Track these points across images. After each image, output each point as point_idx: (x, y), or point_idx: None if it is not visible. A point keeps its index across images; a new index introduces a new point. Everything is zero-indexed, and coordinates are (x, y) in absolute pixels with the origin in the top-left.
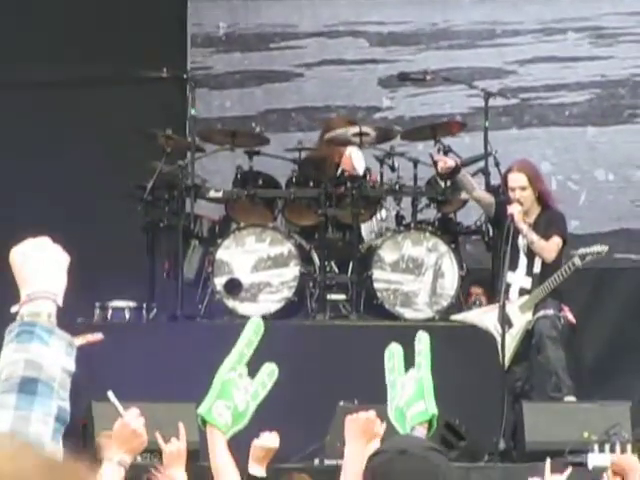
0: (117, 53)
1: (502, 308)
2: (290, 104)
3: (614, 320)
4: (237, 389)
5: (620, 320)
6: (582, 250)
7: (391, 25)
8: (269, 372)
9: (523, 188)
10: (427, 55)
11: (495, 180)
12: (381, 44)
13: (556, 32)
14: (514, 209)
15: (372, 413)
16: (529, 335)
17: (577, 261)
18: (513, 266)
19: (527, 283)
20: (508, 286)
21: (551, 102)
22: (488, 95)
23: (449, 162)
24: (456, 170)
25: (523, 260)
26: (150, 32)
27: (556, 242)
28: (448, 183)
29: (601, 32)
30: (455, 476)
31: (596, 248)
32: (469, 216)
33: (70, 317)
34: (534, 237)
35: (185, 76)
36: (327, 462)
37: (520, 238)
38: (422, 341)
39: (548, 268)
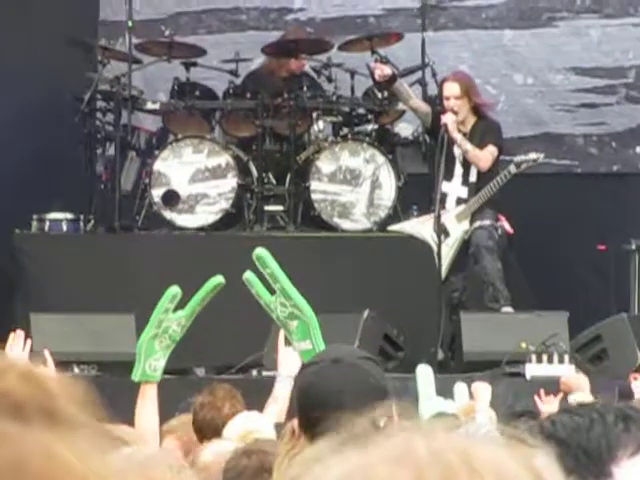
0: None
1: (437, 218)
2: (201, 6)
3: (547, 227)
4: (158, 340)
5: (552, 227)
6: (518, 158)
7: None
8: (215, 283)
9: (457, 97)
10: None
11: (433, 91)
12: None
13: None
14: (448, 119)
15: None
16: (466, 245)
17: (512, 169)
18: (449, 176)
19: (463, 192)
20: (444, 196)
21: (467, 4)
22: (425, 7)
23: (386, 70)
24: (393, 79)
25: (459, 170)
26: None
27: (491, 151)
28: (385, 94)
29: None
30: (389, 384)
31: (532, 156)
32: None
33: (7, 228)
34: (468, 146)
35: None
36: (265, 373)
37: (456, 148)
38: (264, 262)
39: (484, 177)
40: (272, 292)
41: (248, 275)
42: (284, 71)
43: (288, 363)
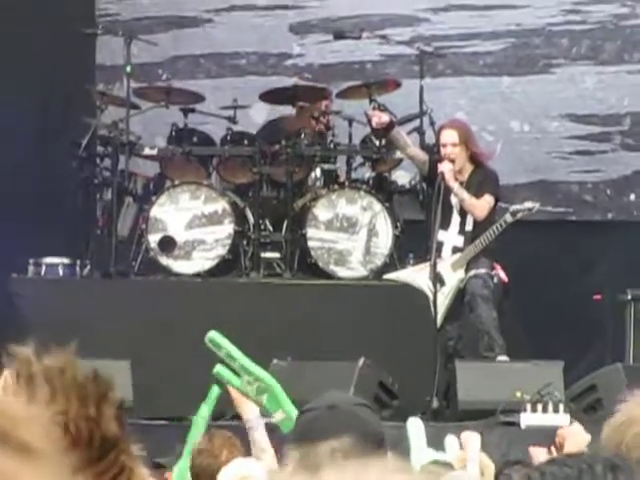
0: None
1: (433, 266)
2: (199, 50)
3: (542, 275)
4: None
5: (547, 275)
6: (514, 207)
7: None
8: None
9: (454, 144)
10: (337, 1)
11: (430, 139)
12: None
13: None
14: (445, 167)
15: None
16: (461, 294)
17: (508, 218)
18: (445, 224)
19: (459, 241)
20: (440, 244)
21: (465, 51)
22: (423, 54)
23: (383, 117)
24: (390, 126)
25: (456, 218)
26: None
27: (487, 200)
28: (383, 142)
29: None
30: (384, 432)
31: (527, 205)
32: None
33: (4, 273)
34: (465, 195)
35: (100, 30)
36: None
37: (453, 196)
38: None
39: (480, 226)
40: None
41: (218, 369)
42: (312, 123)
43: (249, 406)
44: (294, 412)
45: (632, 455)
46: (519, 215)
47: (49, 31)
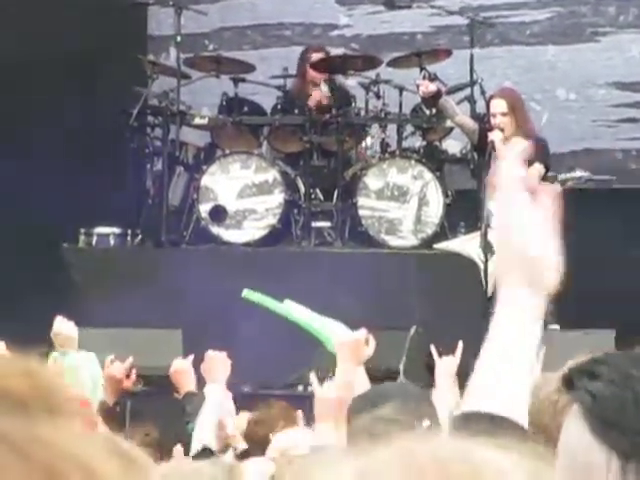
0: None
1: (484, 235)
2: (245, 21)
3: (591, 243)
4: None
5: (596, 243)
6: (562, 176)
7: None
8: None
9: (504, 114)
10: None
11: (481, 109)
12: None
13: None
14: (495, 136)
15: (361, 334)
16: None
17: (557, 187)
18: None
19: None
20: (491, 214)
21: (512, 20)
22: (473, 24)
23: (431, 86)
24: (438, 95)
25: None
26: None
27: (537, 168)
28: (433, 111)
29: None
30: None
31: (577, 173)
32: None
33: (55, 242)
34: None
35: (150, 0)
36: (311, 389)
37: None
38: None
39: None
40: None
41: (245, 293)
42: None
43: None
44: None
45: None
46: (568, 184)
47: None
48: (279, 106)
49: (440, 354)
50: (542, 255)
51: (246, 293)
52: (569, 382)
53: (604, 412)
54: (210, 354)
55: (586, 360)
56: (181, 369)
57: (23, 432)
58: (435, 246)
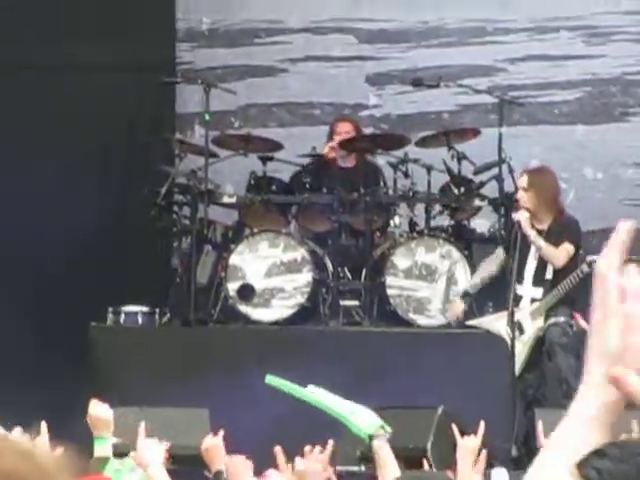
0: (103, 41)
1: (511, 314)
2: (273, 99)
3: None
4: None
5: None
6: (590, 257)
7: (381, 22)
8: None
9: (524, 189)
10: (417, 53)
11: (509, 187)
12: (370, 41)
13: (548, 30)
14: (521, 215)
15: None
16: (541, 342)
17: (585, 268)
18: (520, 278)
19: (536, 293)
20: (519, 297)
21: (540, 100)
22: (502, 102)
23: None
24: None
25: (530, 271)
26: (136, 27)
27: (566, 248)
28: (461, 189)
29: (594, 31)
30: None
31: None
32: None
33: (83, 321)
34: (542, 243)
35: (180, 79)
36: (339, 468)
37: (531, 247)
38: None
39: (560, 274)
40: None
41: (268, 379)
42: (341, 162)
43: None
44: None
45: None
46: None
47: (129, 78)
48: (307, 185)
49: (463, 434)
50: None
51: (269, 379)
52: (580, 464)
53: None
54: (229, 461)
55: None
56: (212, 446)
57: None
58: (467, 323)
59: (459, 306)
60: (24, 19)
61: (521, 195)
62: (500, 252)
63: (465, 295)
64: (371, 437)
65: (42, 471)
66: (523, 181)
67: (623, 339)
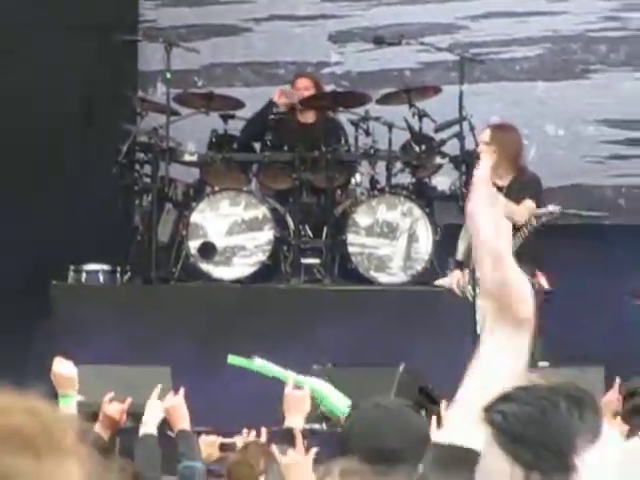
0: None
1: (472, 271)
2: (237, 59)
3: (581, 280)
4: None
5: (586, 280)
6: (536, 211)
7: None
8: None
9: (487, 143)
10: (378, 10)
11: (470, 145)
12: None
13: None
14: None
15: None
16: None
17: (533, 221)
18: None
19: None
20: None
21: (501, 57)
22: (463, 60)
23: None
24: None
25: None
26: None
27: (527, 205)
28: (423, 147)
29: None
30: (429, 432)
31: (550, 208)
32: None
33: (44, 279)
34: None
35: (141, 37)
36: (303, 426)
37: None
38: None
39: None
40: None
41: (230, 359)
42: (304, 117)
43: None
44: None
45: None
46: (543, 219)
47: (91, 37)
48: (269, 143)
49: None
50: (515, 287)
51: (231, 359)
52: (486, 409)
53: (511, 427)
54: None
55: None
56: (174, 405)
57: (29, 470)
58: (435, 283)
59: (457, 275)
60: None
61: (482, 148)
62: None
63: (458, 264)
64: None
65: (48, 428)
66: (485, 135)
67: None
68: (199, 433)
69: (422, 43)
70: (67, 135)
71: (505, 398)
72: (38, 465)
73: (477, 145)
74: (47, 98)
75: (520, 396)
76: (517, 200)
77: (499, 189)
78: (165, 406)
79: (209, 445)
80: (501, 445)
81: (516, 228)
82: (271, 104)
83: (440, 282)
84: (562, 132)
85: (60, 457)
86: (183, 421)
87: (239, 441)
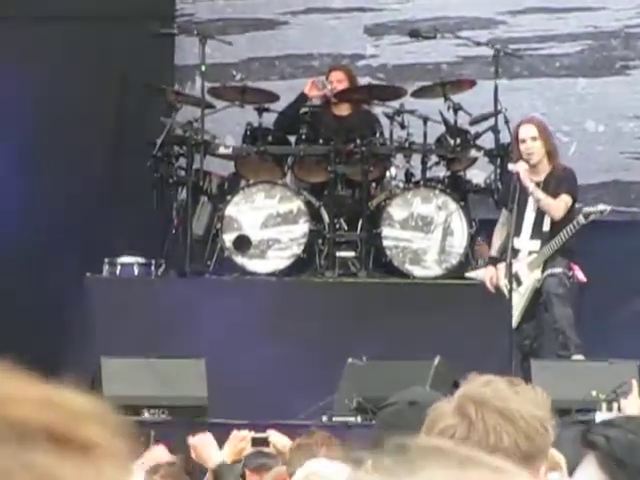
0: None
1: (509, 266)
2: (273, 52)
3: (618, 276)
4: None
5: (624, 276)
6: (586, 209)
7: None
8: None
9: (534, 138)
10: (415, 4)
11: (505, 139)
12: None
13: None
14: (520, 167)
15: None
16: (538, 293)
17: (581, 219)
18: (517, 231)
19: (534, 246)
20: (517, 250)
21: (541, 53)
22: (498, 53)
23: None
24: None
25: (527, 223)
26: None
27: (565, 200)
28: (457, 140)
29: None
30: None
31: (600, 207)
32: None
33: (79, 272)
34: (540, 195)
35: (176, 30)
36: (335, 419)
37: (529, 199)
38: None
39: (558, 226)
40: None
41: None
42: (339, 110)
43: None
44: None
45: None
46: (592, 217)
47: (128, 30)
48: (304, 136)
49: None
50: None
51: None
52: (585, 433)
53: (614, 451)
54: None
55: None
56: (201, 442)
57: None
58: (466, 275)
59: (490, 272)
60: None
61: (531, 145)
62: (504, 211)
63: (492, 260)
64: None
65: (63, 422)
66: (530, 130)
67: None
68: (232, 427)
69: (458, 37)
70: (102, 127)
71: (609, 424)
72: (28, 461)
73: (516, 140)
74: (83, 89)
75: (624, 424)
76: (554, 195)
77: (536, 184)
78: (192, 443)
79: (241, 440)
80: (601, 466)
81: (557, 223)
82: (303, 96)
83: (472, 274)
84: (602, 128)
85: (81, 453)
86: (215, 456)
87: (272, 436)
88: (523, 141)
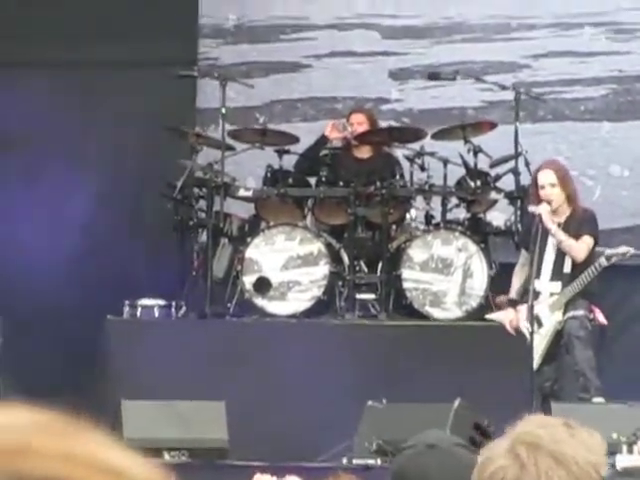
0: (128, 39)
1: (530, 308)
2: (296, 95)
3: (638, 318)
4: None
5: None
6: (608, 251)
7: (404, 18)
8: None
9: (553, 185)
10: (440, 48)
11: (526, 181)
12: (393, 37)
13: (573, 27)
14: (542, 209)
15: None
16: (559, 335)
17: (603, 262)
18: (537, 273)
19: (555, 287)
20: (538, 292)
21: (565, 97)
22: (519, 95)
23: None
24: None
25: (548, 265)
26: (160, 23)
27: (587, 242)
28: (478, 182)
29: (619, 27)
30: None
31: (621, 250)
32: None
33: (100, 314)
34: (562, 236)
35: (196, 73)
36: (355, 461)
37: (550, 240)
38: None
39: (579, 268)
40: None
41: None
42: (359, 152)
43: None
44: None
45: None
46: (613, 259)
47: (150, 74)
48: (324, 178)
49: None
50: None
51: None
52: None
53: None
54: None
55: None
56: None
57: None
58: (487, 316)
59: (510, 314)
60: (51, 17)
61: (550, 192)
62: (524, 252)
63: (511, 302)
64: None
65: (83, 476)
66: (549, 177)
67: None
68: (253, 469)
69: (479, 79)
70: (123, 168)
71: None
72: None
73: (535, 184)
74: (106, 133)
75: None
76: (575, 237)
77: (557, 226)
78: None
79: None
80: None
81: (578, 265)
82: (323, 139)
83: (493, 316)
84: (627, 173)
85: None
86: None
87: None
88: (542, 187)
